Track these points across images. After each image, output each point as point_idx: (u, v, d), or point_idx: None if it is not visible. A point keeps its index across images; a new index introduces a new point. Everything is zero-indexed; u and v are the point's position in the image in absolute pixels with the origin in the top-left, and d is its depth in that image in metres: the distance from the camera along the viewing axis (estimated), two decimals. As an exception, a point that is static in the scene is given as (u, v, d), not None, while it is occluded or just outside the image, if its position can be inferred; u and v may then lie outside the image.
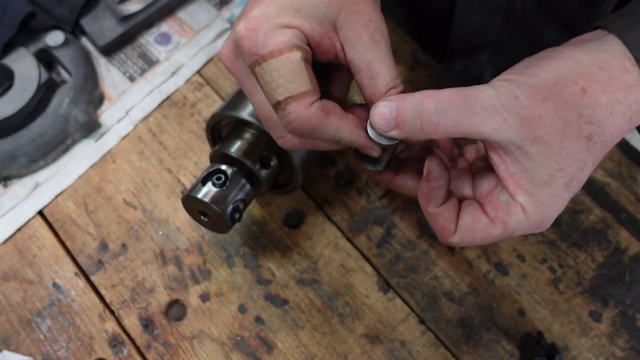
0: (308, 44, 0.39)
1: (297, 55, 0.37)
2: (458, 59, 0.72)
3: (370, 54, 0.39)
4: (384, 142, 0.40)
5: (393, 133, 0.38)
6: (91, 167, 0.64)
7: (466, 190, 0.44)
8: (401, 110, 0.37)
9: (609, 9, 0.59)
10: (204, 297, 0.58)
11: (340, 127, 0.38)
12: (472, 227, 0.40)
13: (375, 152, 0.41)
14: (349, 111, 0.41)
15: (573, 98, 0.37)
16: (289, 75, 0.36)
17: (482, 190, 0.42)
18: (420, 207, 0.42)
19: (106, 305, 0.58)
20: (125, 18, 0.68)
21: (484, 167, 0.43)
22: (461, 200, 0.43)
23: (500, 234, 0.39)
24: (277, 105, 0.37)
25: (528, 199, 0.38)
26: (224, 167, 0.52)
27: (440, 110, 0.36)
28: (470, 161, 0.48)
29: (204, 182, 0.51)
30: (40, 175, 0.63)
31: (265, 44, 0.37)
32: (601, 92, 0.37)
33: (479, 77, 0.75)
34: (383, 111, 0.37)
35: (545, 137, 0.36)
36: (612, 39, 0.38)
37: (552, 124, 0.36)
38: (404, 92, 0.40)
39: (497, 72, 0.79)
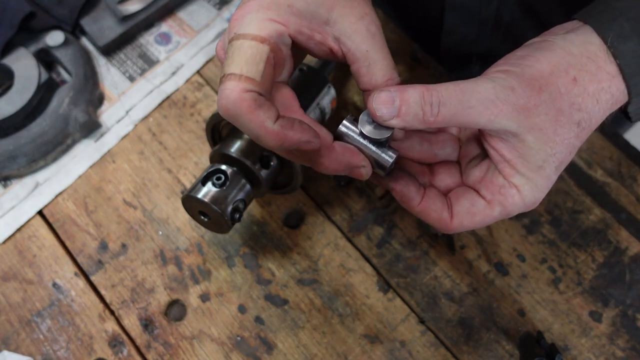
0: (297, 38, 0.40)
1: (264, 48, 0.38)
2: (451, 70, 0.72)
3: (367, 43, 0.40)
4: (376, 135, 0.40)
5: (393, 122, 0.38)
6: (91, 167, 0.64)
7: (452, 179, 0.45)
8: (405, 100, 0.38)
9: None
10: (204, 297, 0.58)
11: (265, 126, 0.37)
12: (470, 211, 0.41)
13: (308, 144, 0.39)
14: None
15: (566, 87, 0.39)
16: (248, 57, 0.37)
17: (474, 177, 0.43)
18: (410, 211, 0.43)
19: (106, 305, 0.58)
20: (125, 18, 0.68)
21: (472, 157, 0.45)
22: (447, 191, 0.44)
23: (498, 215, 0.41)
24: (221, 79, 0.38)
25: (524, 182, 0.40)
26: (224, 167, 0.52)
27: (440, 103, 0.38)
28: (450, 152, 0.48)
29: (204, 182, 0.51)
30: (40, 175, 0.63)
31: (246, 27, 0.39)
32: (589, 81, 0.39)
33: None
34: (386, 99, 0.38)
35: (540, 125, 0.38)
36: (591, 32, 0.40)
37: (546, 112, 0.38)
38: (401, 84, 0.41)
39: None
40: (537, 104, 0.38)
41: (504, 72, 0.39)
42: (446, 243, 0.60)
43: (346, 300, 0.58)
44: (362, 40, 0.40)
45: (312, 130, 0.38)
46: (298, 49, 0.42)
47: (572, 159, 0.44)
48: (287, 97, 0.42)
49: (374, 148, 0.41)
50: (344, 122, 0.41)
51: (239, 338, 0.56)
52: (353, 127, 0.41)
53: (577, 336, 0.56)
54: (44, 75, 0.63)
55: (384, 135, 0.40)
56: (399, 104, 0.38)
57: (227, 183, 0.51)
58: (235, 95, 0.36)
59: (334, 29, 0.41)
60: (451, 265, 0.59)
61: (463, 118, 0.38)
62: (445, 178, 0.45)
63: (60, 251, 0.60)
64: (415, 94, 0.38)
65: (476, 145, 0.45)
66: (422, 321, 0.57)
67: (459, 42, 0.67)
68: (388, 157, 0.41)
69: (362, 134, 0.41)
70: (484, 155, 0.43)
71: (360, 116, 0.41)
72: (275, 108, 0.38)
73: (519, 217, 0.60)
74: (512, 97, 0.38)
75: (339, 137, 0.42)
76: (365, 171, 0.41)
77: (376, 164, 0.42)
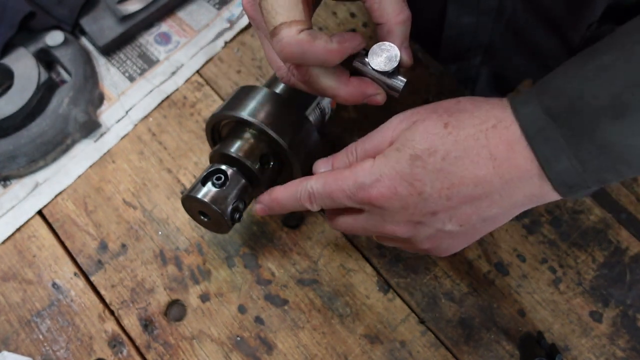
0: None
1: None
2: (451, 61, 0.72)
3: None
4: (387, 67, 0.46)
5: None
6: (91, 167, 0.64)
7: None
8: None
9: (596, 13, 0.59)
10: (204, 297, 0.58)
11: (327, 49, 0.42)
12: (336, 159, 0.50)
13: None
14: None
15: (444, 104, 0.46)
16: (286, 5, 0.42)
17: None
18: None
19: (106, 305, 0.58)
20: (125, 18, 0.68)
21: None
22: None
23: (349, 174, 0.46)
24: (273, 32, 0.42)
25: (380, 156, 0.45)
26: (223, 167, 0.52)
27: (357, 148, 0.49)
28: None
29: (203, 182, 0.51)
30: (39, 175, 0.63)
31: None
32: (467, 102, 0.45)
33: (473, 79, 0.75)
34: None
35: (415, 119, 0.45)
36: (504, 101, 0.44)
37: (421, 112, 0.45)
38: (410, 16, 0.46)
39: (491, 74, 0.79)
40: (413, 112, 0.46)
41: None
42: (446, 243, 0.60)
43: (346, 301, 0.58)
44: None
45: (357, 35, 0.45)
46: None
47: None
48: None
49: (385, 78, 0.47)
50: (357, 58, 0.47)
51: (238, 338, 0.56)
52: (366, 61, 0.47)
53: (577, 336, 0.56)
54: (44, 75, 0.63)
55: (392, 66, 0.46)
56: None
57: (227, 183, 0.51)
58: (294, 40, 0.41)
59: None
60: (451, 266, 0.59)
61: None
62: None
63: (60, 251, 0.60)
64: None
65: None
66: (422, 321, 0.57)
67: (461, 34, 0.68)
68: (399, 82, 0.47)
69: (373, 68, 0.46)
70: None
71: (370, 50, 0.46)
72: (323, 33, 0.43)
73: (520, 217, 0.60)
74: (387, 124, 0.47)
75: (354, 71, 0.48)
76: (380, 97, 0.48)
77: (390, 89, 0.48)
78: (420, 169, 0.42)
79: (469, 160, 0.42)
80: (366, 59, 0.46)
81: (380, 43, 0.46)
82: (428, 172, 0.42)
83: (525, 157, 0.41)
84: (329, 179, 0.47)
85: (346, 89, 0.46)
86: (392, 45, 0.46)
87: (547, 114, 0.40)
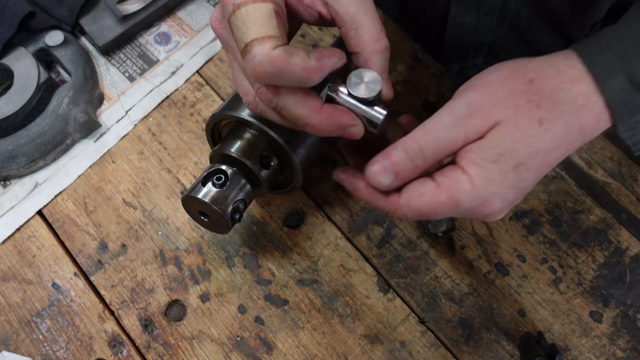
0: (287, 2, 0.42)
1: (268, 5, 0.39)
2: (454, 61, 0.72)
3: (354, 6, 0.42)
4: (365, 95, 0.42)
5: (396, 183, 0.42)
6: (90, 167, 0.64)
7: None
8: (395, 162, 0.41)
9: (600, 13, 0.59)
10: (204, 298, 0.58)
11: (305, 66, 0.38)
12: (418, 190, 0.42)
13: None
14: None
15: (521, 87, 0.40)
16: (259, 20, 0.38)
17: (435, 168, 0.45)
18: (360, 198, 0.46)
19: (106, 305, 0.58)
20: (125, 18, 0.68)
21: None
22: None
23: (446, 201, 0.41)
24: (244, 50, 0.38)
25: (477, 170, 0.40)
26: (224, 167, 0.52)
27: (420, 149, 0.41)
28: None
29: (204, 182, 0.51)
30: (39, 175, 0.63)
31: None
32: (547, 81, 0.40)
33: None
34: (380, 170, 0.41)
35: (500, 118, 0.40)
36: (570, 54, 0.42)
37: (504, 108, 0.40)
38: (388, 46, 0.43)
39: None
40: (493, 104, 0.40)
41: (466, 89, 0.42)
42: (446, 243, 0.60)
43: (346, 301, 0.58)
44: (350, 3, 0.42)
45: (337, 51, 0.42)
46: (289, 17, 0.44)
47: (568, 160, 0.46)
48: None
49: (363, 107, 0.42)
50: (332, 84, 0.43)
51: (238, 338, 0.56)
52: (342, 89, 0.42)
53: (577, 336, 0.56)
54: (44, 75, 0.63)
55: (372, 94, 0.41)
56: (392, 168, 0.41)
57: (227, 183, 0.51)
58: (267, 57, 0.37)
59: None
60: (451, 266, 0.59)
61: (443, 150, 0.41)
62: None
63: (60, 251, 0.60)
64: (399, 151, 0.41)
65: None
66: (422, 321, 0.57)
67: (463, 33, 0.68)
68: (378, 114, 0.42)
69: (350, 95, 0.42)
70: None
71: (348, 78, 0.42)
72: (300, 49, 0.39)
73: (520, 217, 0.60)
74: (470, 109, 0.40)
75: (329, 99, 0.43)
76: (356, 130, 0.43)
77: (368, 123, 0.43)
78: (525, 172, 0.41)
79: (566, 146, 0.41)
80: (343, 85, 0.42)
81: (359, 70, 0.42)
82: (531, 171, 0.41)
83: (607, 121, 0.41)
84: (422, 204, 0.42)
85: (318, 117, 0.41)
86: (373, 71, 0.42)
87: (633, 84, 0.39)
